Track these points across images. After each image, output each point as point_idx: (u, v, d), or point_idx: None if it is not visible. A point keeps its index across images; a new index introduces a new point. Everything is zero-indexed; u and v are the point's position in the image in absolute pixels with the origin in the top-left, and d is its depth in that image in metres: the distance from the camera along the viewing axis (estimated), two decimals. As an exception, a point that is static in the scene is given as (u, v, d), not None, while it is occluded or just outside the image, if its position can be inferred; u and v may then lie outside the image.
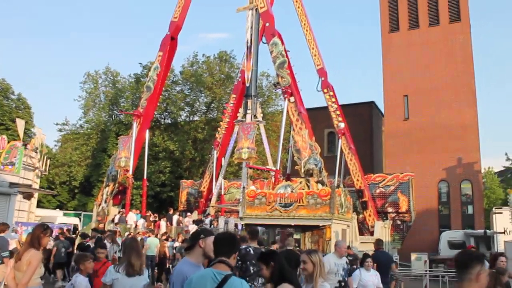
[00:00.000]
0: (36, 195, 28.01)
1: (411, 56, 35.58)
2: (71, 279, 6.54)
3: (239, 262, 6.50)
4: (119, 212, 25.64)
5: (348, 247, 16.46)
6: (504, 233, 21.27)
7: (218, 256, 3.66)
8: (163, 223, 23.88)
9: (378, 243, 12.01)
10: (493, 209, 24.36)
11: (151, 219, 25.28)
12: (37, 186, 27.67)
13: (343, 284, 7.86)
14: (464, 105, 33.45)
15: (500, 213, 22.46)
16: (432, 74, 34.56)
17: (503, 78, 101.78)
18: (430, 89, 34.34)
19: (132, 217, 24.58)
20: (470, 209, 33.53)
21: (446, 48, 34.63)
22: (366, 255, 9.07)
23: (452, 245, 25.90)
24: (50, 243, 15.37)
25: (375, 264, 10.73)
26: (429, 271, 19.51)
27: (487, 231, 24.33)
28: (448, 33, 34.81)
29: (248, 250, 6.69)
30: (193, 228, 21.35)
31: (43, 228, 6.00)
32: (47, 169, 30.38)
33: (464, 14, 34.82)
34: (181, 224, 23.66)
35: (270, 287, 3.95)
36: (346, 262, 8.08)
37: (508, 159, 35.71)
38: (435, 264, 23.58)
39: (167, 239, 18.53)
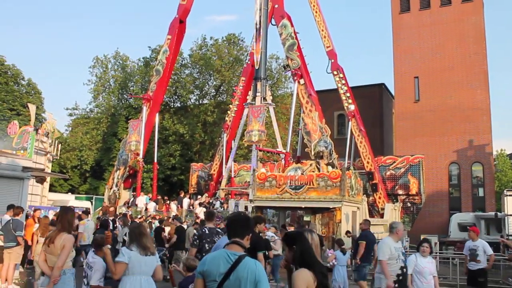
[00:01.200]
0: (48, 179, 28.29)
1: (422, 37, 35.12)
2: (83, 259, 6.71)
3: (197, 241, 6.99)
4: (134, 197, 25.89)
5: (348, 232, 16.47)
6: (515, 215, 21.20)
7: (232, 237, 3.67)
8: (173, 205, 24.05)
9: (365, 223, 12.29)
10: (505, 191, 24.20)
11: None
12: (49, 171, 27.93)
13: (405, 270, 7.26)
14: (476, 86, 33.05)
15: (512, 195, 22.33)
16: (443, 55, 34.14)
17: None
18: (442, 70, 33.96)
19: (142, 200, 24.79)
20: (481, 192, 33.34)
21: (458, 28, 34.11)
22: (424, 240, 8.30)
23: (462, 227, 25.81)
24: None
25: (364, 242, 10.95)
26: (439, 253, 19.51)
27: (498, 213, 24.20)
28: (460, 13, 34.24)
29: (204, 230, 7.16)
30: (200, 211, 21.51)
31: (72, 212, 6.17)
32: (58, 154, 30.64)
33: (477, -6, 34.22)
34: (191, 207, 23.84)
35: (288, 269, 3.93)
36: (404, 246, 7.72)
37: (520, 140, 35.40)
38: (445, 247, 23.57)
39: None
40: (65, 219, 5.94)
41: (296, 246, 3.84)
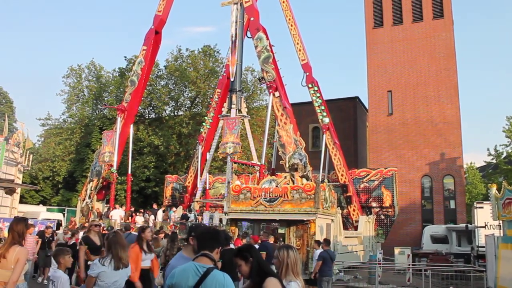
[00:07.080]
0: (18, 190, 27.68)
1: (395, 52, 35.82)
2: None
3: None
4: (109, 209, 25.49)
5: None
6: (485, 227, 21.56)
7: (202, 250, 3.67)
8: (139, 218, 23.73)
9: (264, 235, 12.93)
10: (475, 203, 24.66)
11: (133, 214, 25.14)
12: (19, 181, 27.34)
13: None
14: (446, 100, 33.81)
15: (481, 207, 22.70)
16: (415, 70, 34.87)
17: (485, 73, 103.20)
18: (414, 84, 34.66)
19: (117, 213, 24.43)
20: (452, 204, 33.93)
21: (429, 44, 34.94)
22: None
23: (434, 239, 26.22)
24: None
25: (265, 253, 11.30)
26: (412, 265, 19.71)
27: (469, 225, 24.63)
28: (431, 29, 35.10)
29: None
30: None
31: (25, 223, 5.92)
32: (29, 164, 30.05)
33: (447, 11, 35.13)
34: (168, 220, 23.57)
35: (249, 283, 3.88)
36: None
37: (489, 154, 36.14)
38: (418, 258, 23.84)
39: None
40: (19, 230, 5.60)
41: (253, 258, 3.81)
